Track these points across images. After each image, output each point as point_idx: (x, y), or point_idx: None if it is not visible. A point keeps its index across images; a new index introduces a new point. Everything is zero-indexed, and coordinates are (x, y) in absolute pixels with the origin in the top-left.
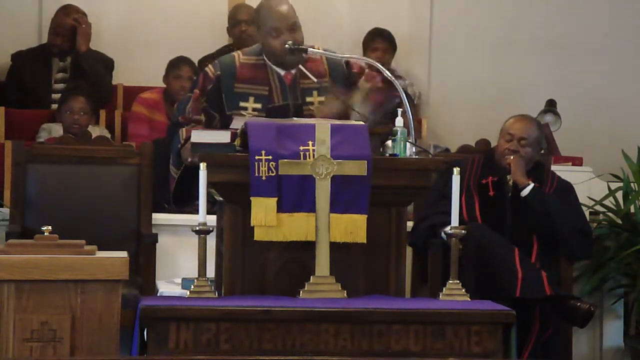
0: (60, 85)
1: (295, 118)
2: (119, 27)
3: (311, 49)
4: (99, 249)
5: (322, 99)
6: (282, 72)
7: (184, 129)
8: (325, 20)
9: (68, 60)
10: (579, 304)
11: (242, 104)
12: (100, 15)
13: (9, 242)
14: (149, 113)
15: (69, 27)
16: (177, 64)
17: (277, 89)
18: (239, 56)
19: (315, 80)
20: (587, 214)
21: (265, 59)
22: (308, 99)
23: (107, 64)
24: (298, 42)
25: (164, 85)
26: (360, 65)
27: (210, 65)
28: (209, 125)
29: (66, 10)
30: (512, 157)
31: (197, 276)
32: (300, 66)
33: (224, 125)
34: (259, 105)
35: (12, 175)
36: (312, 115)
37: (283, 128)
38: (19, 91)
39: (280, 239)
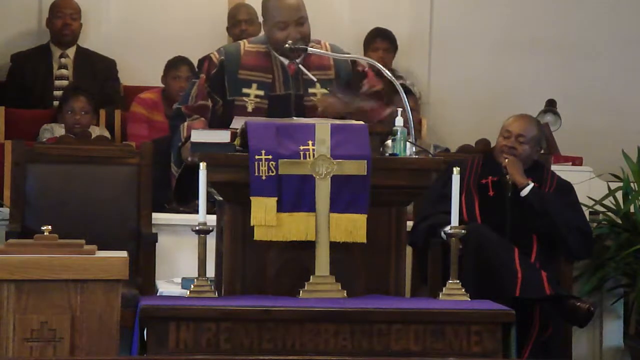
0: (61, 83)
1: (295, 117)
2: (119, 27)
3: (311, 49)
4: (99, 249)
5: (325, 90)
6: (286, 62)
7: (184, 126)
8: (325, 20)
9: (69, 56)
10: (579, 303)
11: (244, 90)
12: (101, 15)
13: (8, 242)
14: (147, 113)
15: (73, 7)
16: (175, 64)
17: (279, 78)
18: (244, 44)
19: (314, 79)
20: (587, 213)
21: (270, 48)
22: (310, 90)
23: (109, 65)
24: (304, 35)
25: (163, 86)
26: (364, 65)
27: (214, 51)
28: (213, 110)
29: None
30: (507, 160)
31: (197, 276)
32: (301, 66)
33: (226, 111)
34: (261, 92)
35: (12, 175)
36: (314, 106)
37: (283, 128)
38: (19, 91)
39: (280, 238)
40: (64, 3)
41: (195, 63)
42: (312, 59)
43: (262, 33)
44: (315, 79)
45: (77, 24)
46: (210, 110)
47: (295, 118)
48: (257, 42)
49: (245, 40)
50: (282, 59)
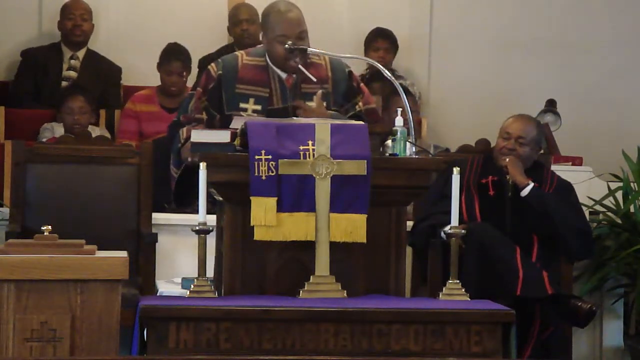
0: (67, 84)
1: (294, 118)
2: (119, 27)
3: (311, 49)
4: (99, 249)
5: (323, 103)
6: (284, 76)
7: (184, 129)
8: (325, 20)
9: (79, 58)
10: (580, 303)
11: (242, 105)
12: (101, 16)
13: (8, 242)
14: (139, 107)
15: (83, 8)
16: (168, 59)
17: (277, 92)
18: (242, 56)
19: (314, 79)
20: (587, 213)
21: (268, 61)
22: (309, 104)
23: (114, 72)
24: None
25: (158, 74)
26: (359, 80)
27: (213, 64)
28: (209, 124)
29: None
30: (507, 160)
31: (197, 276)
32: (300, 66)
33: (224, 125)
34: (258, 107)
35: (12, 175)
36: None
37: (283, 128)
38: (29, 87)
39: (280, 238)
40: (75, 4)
41: (194, 60)
42: (309, 72)
43: (260, 45)
44: (314, 79)
45: (88, 24)
46: (205, 124)
47: (295, 118)
48: (255, 55)
49: (243, 52)
50: (279, 72)
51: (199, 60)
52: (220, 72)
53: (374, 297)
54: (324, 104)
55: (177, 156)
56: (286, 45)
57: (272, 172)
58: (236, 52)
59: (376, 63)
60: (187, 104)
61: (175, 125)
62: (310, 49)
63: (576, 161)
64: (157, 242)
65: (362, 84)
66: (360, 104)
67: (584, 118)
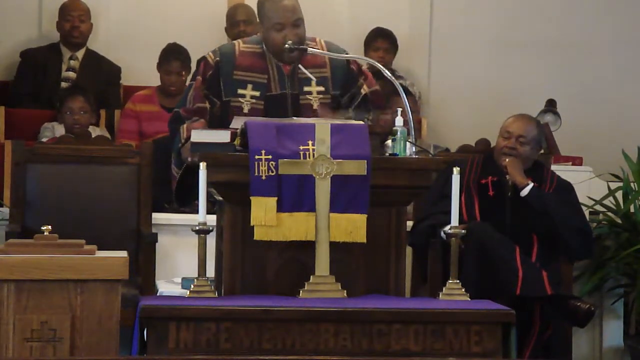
0: (67, 85)
1: (295, 117)
2: (118, 27)
3: (311, 49)
4: (99, 249)
5: (320, 88)
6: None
7: (184, 127)
8: (325, 20)
9: (78, 59)
10: (579, 303)
11: (240, 91)
12: (101, 16)
13: (8, 242)
14: (139, 107)
15: (81, 9)
16: (167, 58)
17: (275, 78)
18: (239, 44)
19: (313, 79)
20: (587, 213)
21: (265, 48)
22: (306, 89)
23: (114, 71)
24: (301, 37)
25: (158, 74)
26: (359, 64)
27: (210, 52)
28: (210, 112)
29: None
30: (507, 160)
31: (197, 276)
32: (300, 65)
33: (224, 112)
34: (257, 93)
35: (12, 175)
36: (309, 105)
37: (283, 127)
38: (28, 88)
39: (280, 238)
40: (72, 5)
41: (193, 60)
42: (307, 57)
43: (257, 33)
44: (313, 78)
45: (87, 25)
46: (208, 112)
47: (295, 118)
48: (251, 43)
49: (240, 40)
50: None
51: (197, 61)
52: (217, 59)
53: (374, 297)
54: (323, 88)
55: (178, 156)
56: (286, 45)
57: (272, 172)
58: (233, 41)
59: (376, 63)
60: (185, 95)
61: (176, 119)
62: (310, 49)
63: (576, 161)
64: (157, 242)
65: (363, 67)
66: (365, 87)
67: (584, 118)
